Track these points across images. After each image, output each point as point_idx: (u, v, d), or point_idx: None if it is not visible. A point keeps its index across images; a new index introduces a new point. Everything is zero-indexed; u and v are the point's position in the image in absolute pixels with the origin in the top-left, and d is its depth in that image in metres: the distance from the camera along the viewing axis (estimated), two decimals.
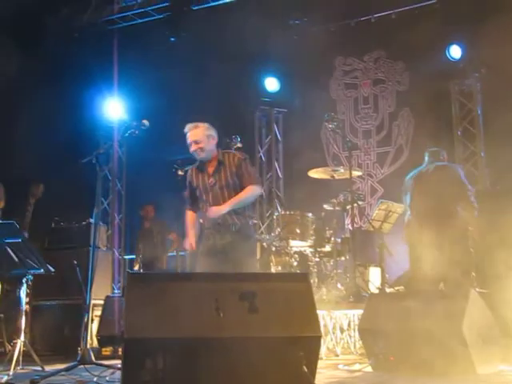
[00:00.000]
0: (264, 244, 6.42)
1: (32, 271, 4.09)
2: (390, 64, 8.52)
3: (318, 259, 6.29)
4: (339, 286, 5.97)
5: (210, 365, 2.83)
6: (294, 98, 8.57)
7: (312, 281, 5.86)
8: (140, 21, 8.83)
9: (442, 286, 5.41)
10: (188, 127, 4.60)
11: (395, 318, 3.90)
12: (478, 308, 3.92)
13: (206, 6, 8.35)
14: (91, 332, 6.28)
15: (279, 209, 8.32)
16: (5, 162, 7.83)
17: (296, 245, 6.24)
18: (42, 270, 4.14)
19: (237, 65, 7.77)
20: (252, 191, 4.45)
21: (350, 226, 6.58)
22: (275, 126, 8.99)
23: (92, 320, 6.34)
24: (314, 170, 6.56)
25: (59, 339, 6.39)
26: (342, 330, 5.67)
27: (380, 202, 6.91)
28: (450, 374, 3.60)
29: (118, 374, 3.91)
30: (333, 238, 6.26)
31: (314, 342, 2.98)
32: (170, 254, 8.04)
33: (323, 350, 5.16)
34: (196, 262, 4.49)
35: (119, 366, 4.09)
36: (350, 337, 5.66)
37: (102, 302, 6.54)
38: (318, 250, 6.28)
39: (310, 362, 2.92)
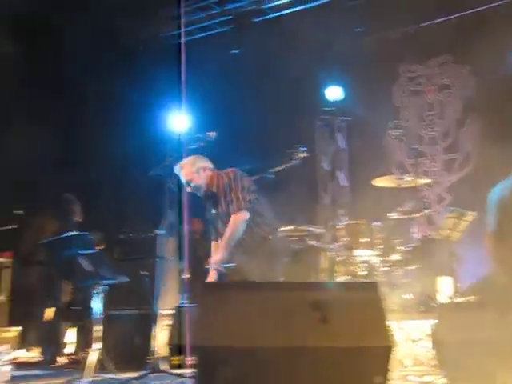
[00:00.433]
0: (329, 254, 6.38)
1: (105, 281, 4.20)
2: (457, 69, 8.35)
3: (385, 268, 6.20)
4: (408, 295, 5.86)
5: (283, 375, 2.83)
6: (357, 106, 8.51)
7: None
8: (204, 34, 9.00)
9: None
10: (176, 170, 4.63)
11: (469, 328, 3.80)
12: None
13: (267, 17, 8.43)
14: (161, 342, 6.38)
15: (343, 218, 8.25)
16: (73, 176, 8.09)
17: (362, 254, 6.17)
18: (115, 281, 4.25)
19: (299, 74, 7.80)
20: (235, 224, 4.43)
21: (417, 235, 6.46)
22: (338, 135, 8.95)
23: (162, 329, 6.44)
24: (379, 179, 6.48)
25: (129, 348, 6.52)
26: (411, 341, 5.56)
27: (449, 209, 6.75)
28: None
29: (188, 382, 3.98)
30: (401, 247, 6.16)
31: (386, 352, 2.93)
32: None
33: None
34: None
35: (189, 374, 4.17)
36: (420, 347, 5.54)
37: (171, 311, 6.63)
38: (386, 259, 6.19)
39: (381, 373, 2.87)
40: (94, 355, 4.34)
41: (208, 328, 2.86)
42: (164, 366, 4.49)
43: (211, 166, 4.79)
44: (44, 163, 8.23)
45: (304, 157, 5.76)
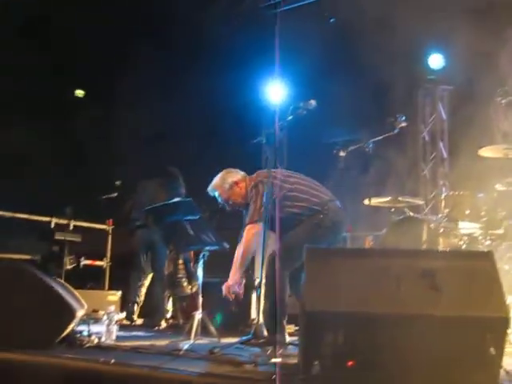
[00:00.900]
0: (431, 225, 6.21)
1: (208, 247, 4.27)
2: None
3: (488, 242, 5.97)
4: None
5: (390, 341, 2.78)
6: (460, 74, 8.17)
7: None
8: (299, 4, 8.86)
9: None
10: (211, 193, 4.45)
11: None
12: None
13: None
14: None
15: (444, 189, 8.02)
16: (174, 148, 8.27)
17: (465, 226, 5.97)
18: (217, 247, 4.31)
19: (400, 42, 7.56)
20: (245, 240, 4.15)
21: None
22: (440, 105, 8.65)
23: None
24: (485, 148, 6.20)
25: (226, 315, 6.65)
26: None
27: None
28: None
29: (289, 349, 4.00)
30: (506, 221, 5.90)
31: (501, 323, 2.82)
32: None
33: None
34: None
35: (291, 341, 4.19)
36: None
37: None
38: (490, 232, 5.96)
39: (497, 345, 2.77)
40: (195, 320, 4.43)
41: (316, 293, 2.85)
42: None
43: (241, 175, 4.53)
44: (144, 136, 8.47)
45: (404, 126, 5.62)
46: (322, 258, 3.00)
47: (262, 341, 3.98)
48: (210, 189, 4.47)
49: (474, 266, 2.93)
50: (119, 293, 7.36)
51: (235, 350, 3.83)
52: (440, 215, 6.30)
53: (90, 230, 8.67)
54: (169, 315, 7.38)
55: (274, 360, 3.43)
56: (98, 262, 8.52)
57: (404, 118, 5.65)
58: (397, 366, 2.75)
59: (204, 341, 4.44)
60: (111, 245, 8.57)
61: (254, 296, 5.97)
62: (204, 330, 4.60)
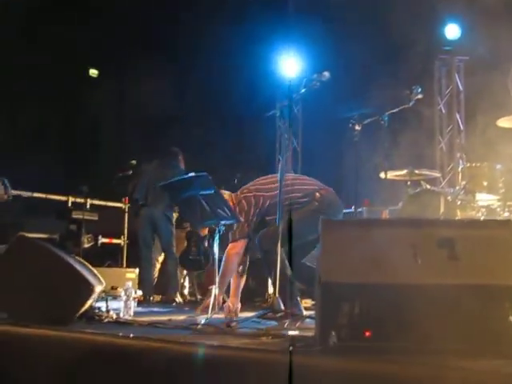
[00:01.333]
0: (448, 198, 6.15)
1: (223, 222, 4.25)
2: None
3: (507, 213, 5.91)
4: None
5: (408, 311, 2.76)
6: (476, 44, 8.04)
7: None
8: None
9: None
10: None
11: None
12: None
13: None
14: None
15: (461, 161, 7.93)
16: (189, 125, 8.26)
17: (483, 198, 5.91)
18: (233, 221, 4.30)
19: (414, 12, 7.44)
20: (225, 259, 4.49)
21: None
22: (456, 76, 8.52)
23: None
24: (503, 119, 6.11)
25: (243, 289, 6.68)
26: None
27: None
28: None
29: (306, 323, 4.00)
30: None
31: None
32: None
33: None
34: None
35: (308, 314, 4.20)
36: None
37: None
38: (508, 203, 5.90)
39: None
40: (212, 295, 4.44)
41: (332, 264, 2.84)
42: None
43: (227, 194, 4.65)
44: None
45: (420, 98, 5.54)
46: (337, 229, 2.98)
47: (279, 314, 3.98)
48: None
49: (492, 235, 2.89)
50: (137, 270, 7.42)
51: (252, 324, 3.84)
52: (457, 187, 6.25)
53: (106, 208, 8.72)
54: (186, 291, 7.45)
55: (291, 332, 3.45)
56: (116, 240, 8.57)
57: (420, 89, 5.55)
58: (414, 337, 2.73)
59: (221, 315, 4.45)
60: (128, 223, 8.62)
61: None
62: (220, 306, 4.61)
